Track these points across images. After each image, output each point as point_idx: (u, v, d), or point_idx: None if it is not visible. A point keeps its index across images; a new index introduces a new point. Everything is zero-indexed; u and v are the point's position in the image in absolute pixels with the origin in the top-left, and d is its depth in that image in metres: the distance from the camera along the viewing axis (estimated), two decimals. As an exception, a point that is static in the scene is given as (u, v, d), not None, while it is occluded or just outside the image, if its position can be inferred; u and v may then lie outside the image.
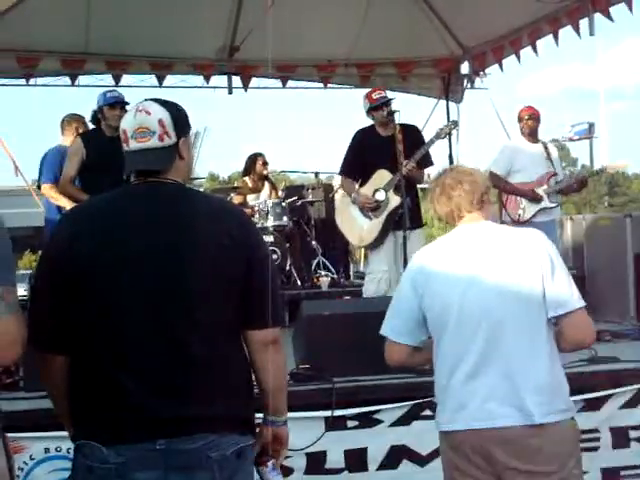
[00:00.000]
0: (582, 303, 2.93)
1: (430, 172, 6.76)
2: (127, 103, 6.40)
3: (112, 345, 2.31)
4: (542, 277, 2.89)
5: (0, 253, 2.23)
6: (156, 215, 2.39)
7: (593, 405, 4.59)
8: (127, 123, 2.47)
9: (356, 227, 6.53)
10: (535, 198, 7.21)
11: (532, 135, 7.35)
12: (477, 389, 2.89)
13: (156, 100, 2.52)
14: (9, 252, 2.29)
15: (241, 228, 2.46)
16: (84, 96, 8.61)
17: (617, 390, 4.65)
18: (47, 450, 4.05)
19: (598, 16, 7.56)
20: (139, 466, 2.26)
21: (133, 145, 2.45)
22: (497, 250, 2.98)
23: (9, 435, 2.35)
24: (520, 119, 7.40)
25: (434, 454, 4.45)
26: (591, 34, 7.67)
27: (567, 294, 2.91)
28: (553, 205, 7.26)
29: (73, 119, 7.33)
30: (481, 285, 2.92)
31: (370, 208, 6.38)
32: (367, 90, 6.84)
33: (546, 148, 7.36)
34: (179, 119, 2.49)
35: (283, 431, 2.64)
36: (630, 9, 7.19)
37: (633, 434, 4.69)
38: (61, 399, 2.47)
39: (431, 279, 3.02)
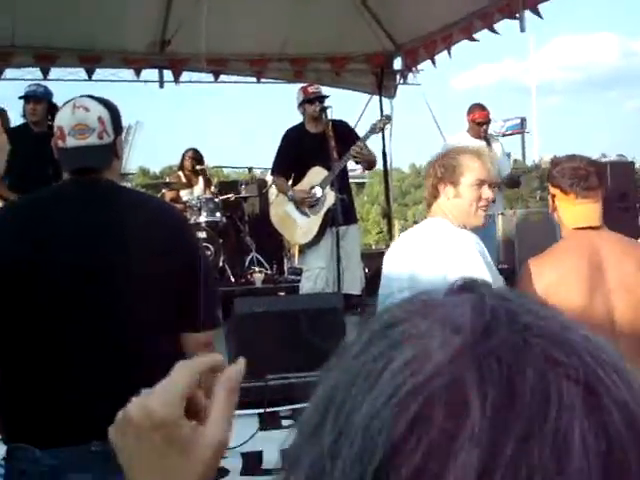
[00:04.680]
0: None
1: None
2: (39, 97, 6.26)
3: (46, 349, 2.25)
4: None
5: None
6: (89, 220, 2.32)
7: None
8: (64, 119, 2.38)
9: (293, 225, 6.49)
10: None
11: (478, 135, 7.39)
12: None
13: (92, 97, 2.44)
14: None
15: (177, 230, 2.44)
16: (11, 90, 8.40)
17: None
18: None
19: (529, 13, 7.66)
20: (73, 468, 2.23)
21: (71, 142, 2.36)
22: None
23: None
24: (471, 120, 7.36)
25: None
26: (522, 30, 7.76)
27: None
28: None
29: None
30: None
31: (309, 204, 6.36)
32: (301, 84, 6.82)
33: (488, 145, 7.22)
34: (116, 117, 2.44)
35: None
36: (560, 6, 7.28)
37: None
38: None
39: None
